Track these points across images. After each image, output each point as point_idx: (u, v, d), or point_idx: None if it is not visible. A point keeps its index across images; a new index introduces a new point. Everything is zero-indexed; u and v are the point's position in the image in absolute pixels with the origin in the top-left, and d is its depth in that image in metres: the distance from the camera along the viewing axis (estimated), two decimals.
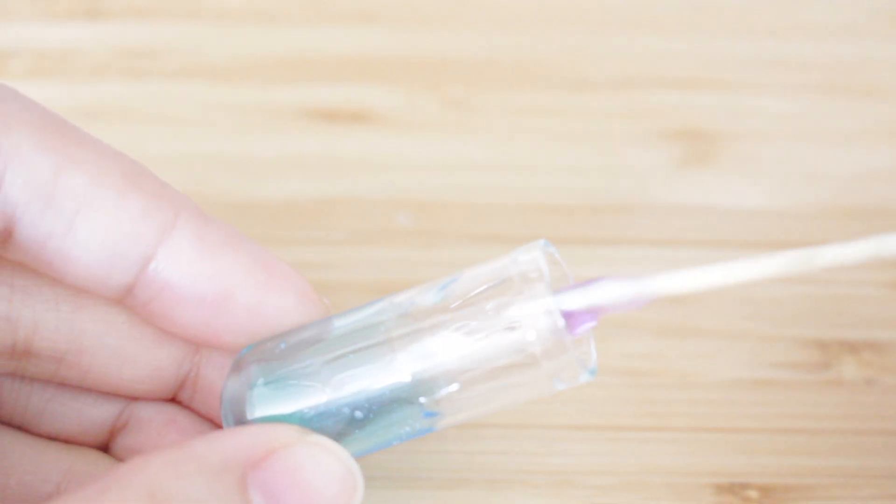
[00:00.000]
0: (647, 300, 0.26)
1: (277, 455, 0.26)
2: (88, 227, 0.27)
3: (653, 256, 0.38)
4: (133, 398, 0.31)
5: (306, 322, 0.28)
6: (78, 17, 0.45)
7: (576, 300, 0.27)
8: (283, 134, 0.41)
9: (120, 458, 0.30)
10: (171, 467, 0.25)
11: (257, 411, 0.27)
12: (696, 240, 0.39)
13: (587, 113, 0.42)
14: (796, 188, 0.40)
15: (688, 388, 0.35)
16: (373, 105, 0.42)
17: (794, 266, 0.26)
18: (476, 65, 0.44)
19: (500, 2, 0.46)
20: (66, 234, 0.27)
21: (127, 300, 0.28)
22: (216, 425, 0.31)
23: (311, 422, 0.27)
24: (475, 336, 0.27)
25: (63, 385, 0.30)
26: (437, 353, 0.27)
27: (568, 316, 0.27)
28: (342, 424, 0.27)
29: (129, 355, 0.30)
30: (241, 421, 0.28)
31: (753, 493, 0.32)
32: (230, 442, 0.26)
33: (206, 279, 0.27)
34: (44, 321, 0.29)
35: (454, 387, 0.27)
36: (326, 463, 0.26)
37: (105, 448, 0.31)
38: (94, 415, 0.30)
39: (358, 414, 0.27)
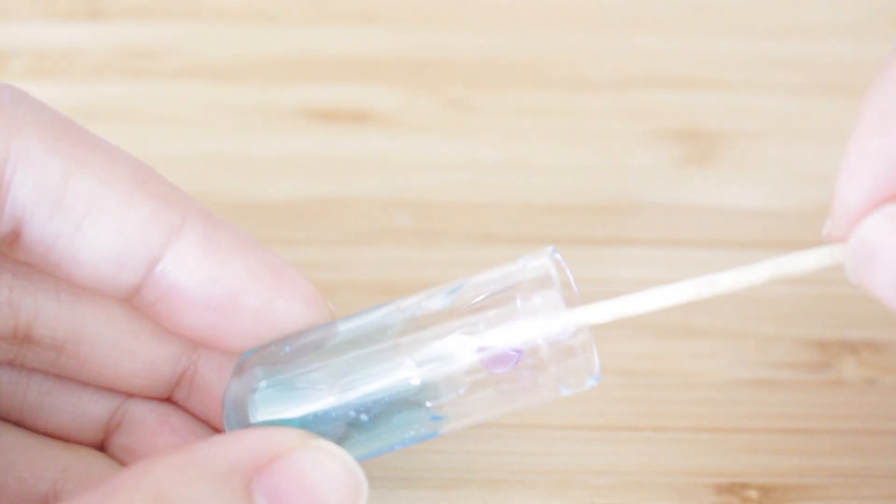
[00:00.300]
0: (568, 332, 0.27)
1: (282, 460, 0.26)
2: (97, 229, 0.27)
3: (653, 256, 0.38)
4: (129, 394, 0.31)
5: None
6: (78, 17, 0.45)
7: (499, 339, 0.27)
8: (283, 134, 0.41)
9: (115, 458, 0.31)
10: (176, 472, 0.25)
11: (260, 414, 0.27)
12: (696, 240, 0.39)
13: (587, 113, 0.42)
14: (796, 188, 0.40)
15: (687, 388, 0.35)
16: (373, 105, 0.42)
17: (696, 294, 0.27)
18: (476, 65, 0.44)
19: (500, 2, 0.46)
20: (75, 236, 0.27)
21: (134, 300, 0.28)
22: (210, 426, 0.31)
23: (315, 425, 0.27)
24: (483, 340, 0.27)
25: (60, 377, 0.30)
26: (446, 356, 0.27)
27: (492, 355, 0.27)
28: (346, 428, 0.27)
29: (127, 348, 0.30)
30: (243, 424, 0.28)
31: (753, 493, 0.32)
32: (234, 446, 0.26)
33: (212, 282, 0.28)
34: (44, 309, 0.29)
35: (461, 390, 0.27)
36: (331, 467, 0.26)
37: (101, 447, 0.31)
38: (90, 410, 0.31)
39: (363, 417, 0.27)
